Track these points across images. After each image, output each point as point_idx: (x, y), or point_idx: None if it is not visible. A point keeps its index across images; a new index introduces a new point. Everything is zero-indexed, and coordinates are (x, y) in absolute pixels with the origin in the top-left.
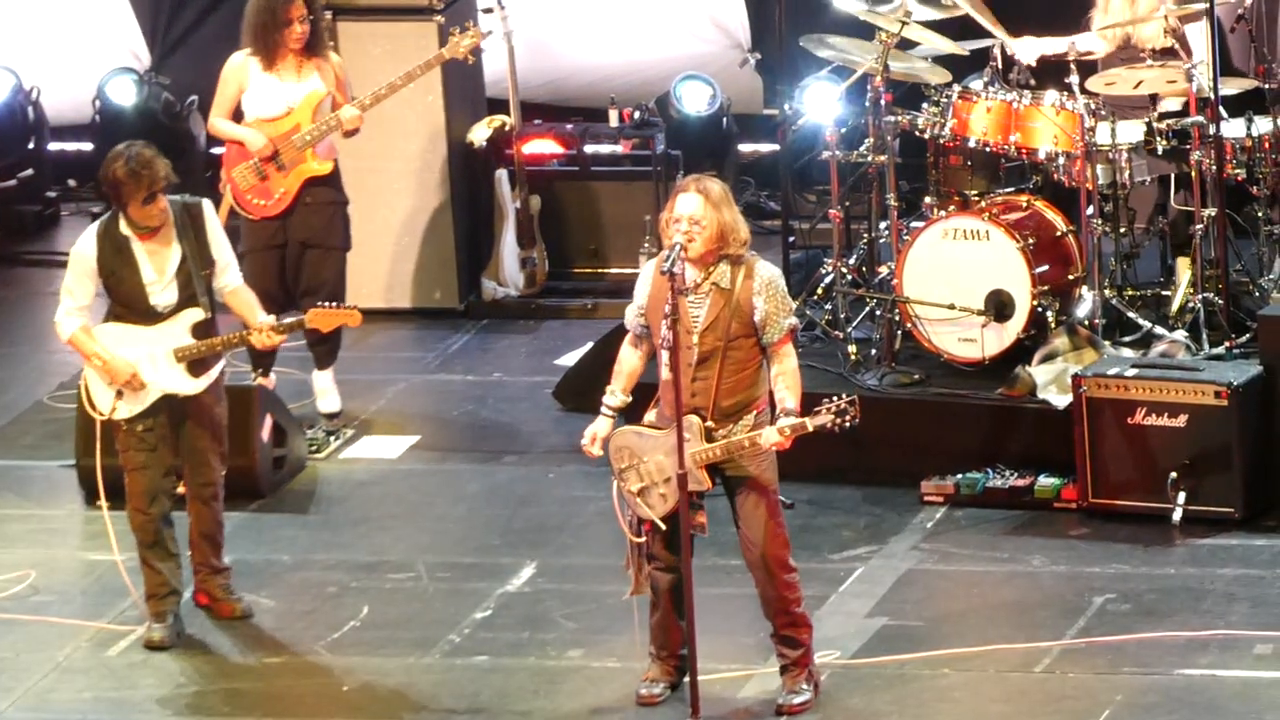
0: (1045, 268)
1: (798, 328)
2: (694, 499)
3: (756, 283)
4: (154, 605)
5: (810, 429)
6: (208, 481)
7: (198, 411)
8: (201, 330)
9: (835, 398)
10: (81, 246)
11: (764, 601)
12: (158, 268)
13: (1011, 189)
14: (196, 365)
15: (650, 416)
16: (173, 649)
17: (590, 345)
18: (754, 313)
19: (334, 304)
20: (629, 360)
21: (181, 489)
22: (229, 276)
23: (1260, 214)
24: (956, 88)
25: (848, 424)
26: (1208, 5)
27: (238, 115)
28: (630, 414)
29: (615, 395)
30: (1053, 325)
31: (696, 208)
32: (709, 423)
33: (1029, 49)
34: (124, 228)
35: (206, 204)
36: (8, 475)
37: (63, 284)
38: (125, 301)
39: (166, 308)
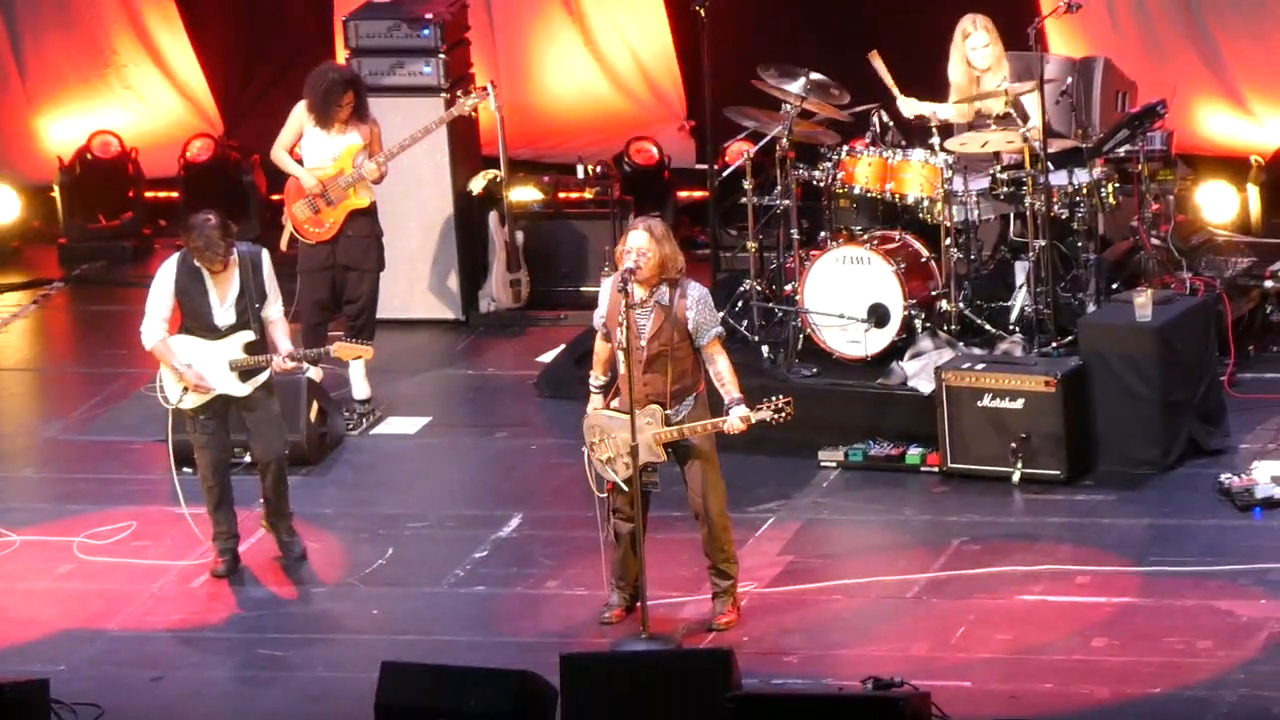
0: (913, 285)
1: (724, 335)
2: (650, 467)
3: (689, 299)
4: (218, 546)
5: (754, 421)
6: (269, 457)
7: (251, 404)
8: (251, 348)
9: (775, 397)
10: (164, 270)
11: (705, 541)
12: (221, 295)
13: (887, 225)
14: (246, 373)
15: (615, 404)
16: (239, 582)
17: (563, 346)
18: (688, 323)
19: (357, 339)
20: (602, 350)
21: (249, 457)
22: (272, 310)
23: (1079, 244)
24: (844, 147)
25: (784, 419)
26: (1037, 82)
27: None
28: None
29: (598, 377)
30: (919, 330)
31: (643, 242)
32: (668, 411)
33: (910, 106)
34: (198, 261)
35: (264, 253)
36: (113, 449)
37: (147, 300)
38: (194, 317)
39: (226, 326)
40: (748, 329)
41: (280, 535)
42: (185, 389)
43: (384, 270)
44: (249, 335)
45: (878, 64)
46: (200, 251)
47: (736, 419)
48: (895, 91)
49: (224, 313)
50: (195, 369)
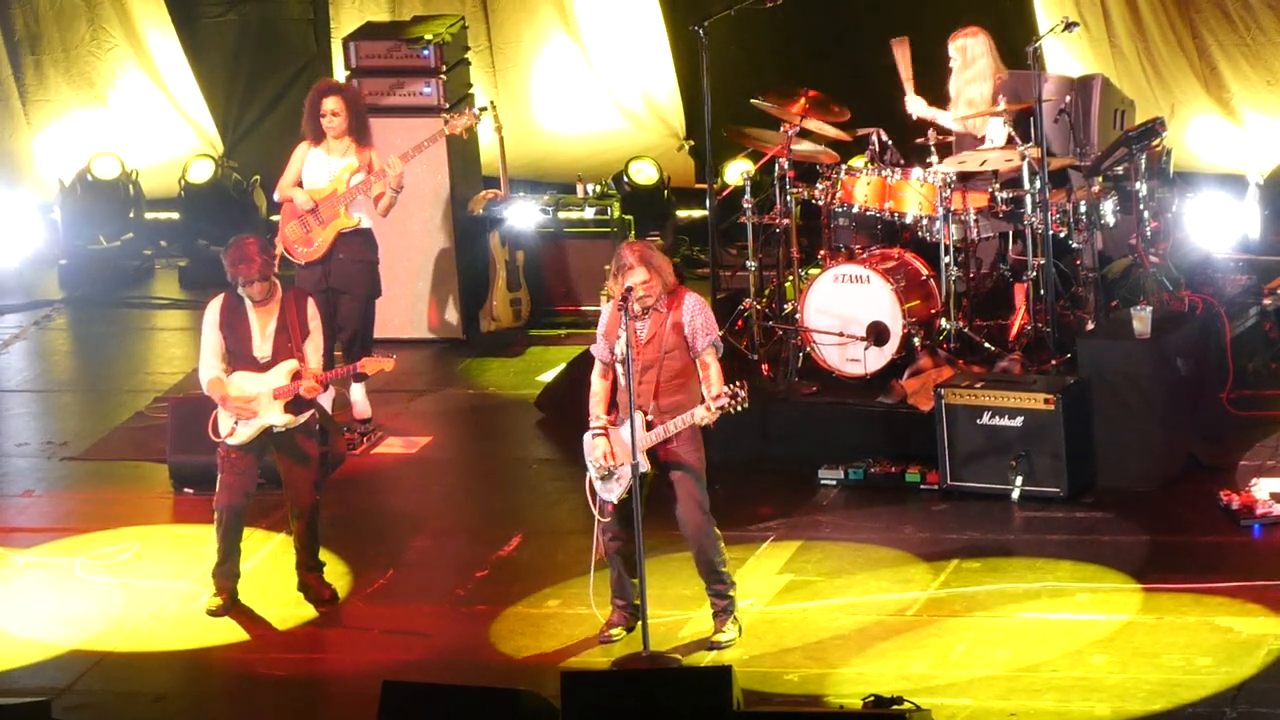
0: (913, 304)
1: (720, 347)
2: (641, 479)
3: (685, 305)
4: (217, 582)
5: (714, 409)
6: (301, 506)
7: (290, 449)
8: (296, 376)
9: (732, 383)
10: (210, 309)
11: (697, 564)
12: (261, 327)
13: (886, 244)
14: (289, 405)
15: (610, 418)
16: (239, 606)
17: (563, 366)
18: (685, 329)
19: (371, 351)
20: (600, 388)
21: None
22: (311, 350)
23: (1078, 262)
24: (844, 166)
25: (740, 404)
26: (1036, 102)
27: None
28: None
29: (600, 418)
30: (919, 348)
31: (643, 275)
32: (649, 417)
33: (916, 106)
34: (241, 292)
35: (312, 300)
36: (115, 469)
37: (200, 341)
38: (236, 350)
39: (264, 359)
40: (748, 348)
41: (309, 582)
42: (235, 423)
43: (380, 296)
44: (293, 364)
45: (902, 52)
46: (234, 268)
47: (702, 409)
48: (909, 87)
49: (262, 344)
50: (245, 397)
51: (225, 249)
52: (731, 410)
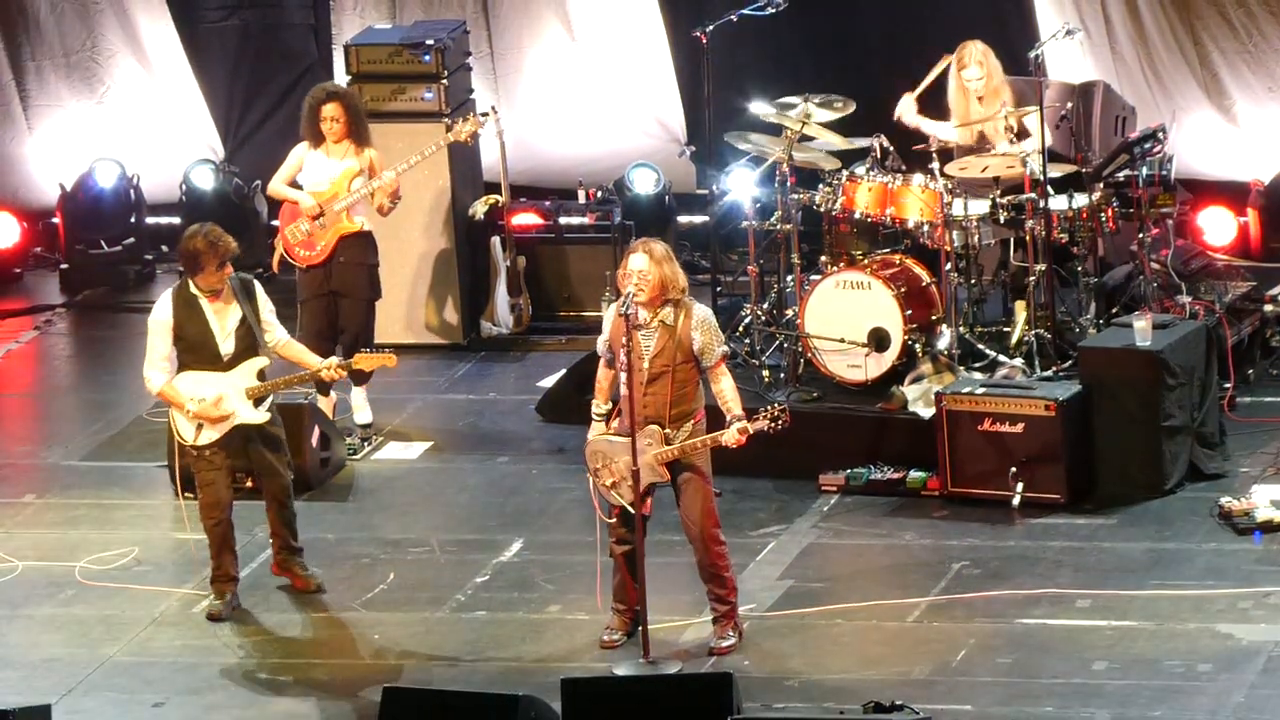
0: (914, 310)
1: (728, 355)
2: (652, 489)
3: (694, 320)
4: (215, 586)
5: (751, 431)
6: (278, 487)
7: (260, 434)
8: (264, 374)
9: (770, 405)
10: (158, 310)
11: (700, 567)
12: (221, 323)
13: (888, 250)
14: (260, 400)
15: (615, 425)
16: (239, 610)
17: (564, 371)
18: (693, 344)
19: (372, 349)
20: (604, 377)
21: (249, 484)
22: (278, 333)
23: (1079, 268)
24: (845, 172)
25: (780, 427)
26: (1038, 107)
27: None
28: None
29: (600, 405)
30: (920, 355)
31: (643, 264)
32: (666, 430)
33: (908, 110)
34: (193, 289)
35: (256, 282)
36: (115, 474)
37: (146, 345)
38: (194, 349)
39: (227, 355)
40: (748, 353)
41: (296, 572)
42: (200, 426)
43: (380, 299)
44: (262, 361)
45: (940, 66)
46: (211, 250)
47: (734, 430)
48: (915, 91)
49: (225, 341)
50: (209, 402)
51: (191, 237)
52: (771, 432)
